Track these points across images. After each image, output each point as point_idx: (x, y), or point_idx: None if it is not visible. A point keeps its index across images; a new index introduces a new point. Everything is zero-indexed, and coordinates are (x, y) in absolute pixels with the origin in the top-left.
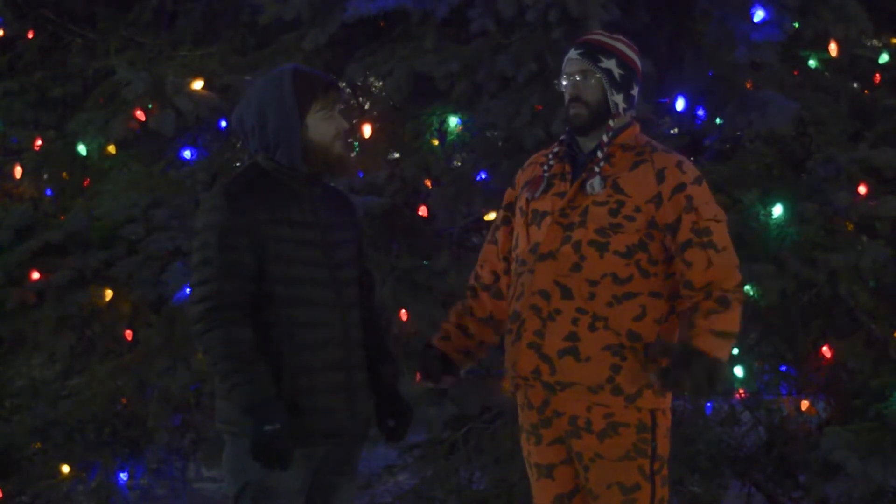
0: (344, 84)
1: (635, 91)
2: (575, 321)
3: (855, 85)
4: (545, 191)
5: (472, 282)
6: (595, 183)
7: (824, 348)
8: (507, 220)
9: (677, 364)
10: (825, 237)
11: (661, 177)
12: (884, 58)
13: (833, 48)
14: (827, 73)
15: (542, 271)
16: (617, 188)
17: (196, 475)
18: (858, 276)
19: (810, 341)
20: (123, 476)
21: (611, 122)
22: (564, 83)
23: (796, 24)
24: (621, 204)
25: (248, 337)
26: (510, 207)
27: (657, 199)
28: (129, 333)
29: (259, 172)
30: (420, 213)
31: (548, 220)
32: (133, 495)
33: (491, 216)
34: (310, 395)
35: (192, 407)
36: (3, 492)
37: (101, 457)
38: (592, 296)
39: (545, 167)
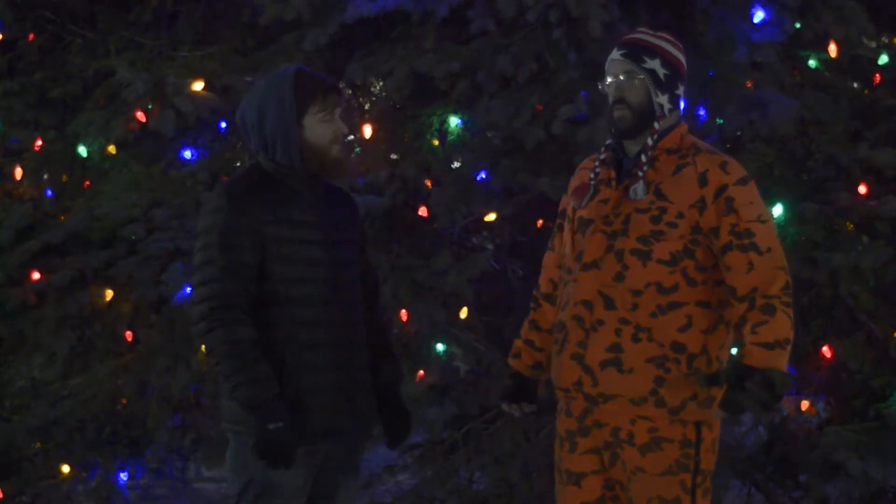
0: (344, 84)
1: (680, 90)
2: (618, 332)
3: (855, 85)
4: (591, 198)
5: (534, 292)
6: (638, 188)
7: (824, 348)
8: (560, 228)
9: (732, 387)
10: (826, 237)
11: (703, 180)
12: (883, 58)
13: (833, 48)
14: (827, 74)
15: (586, 281)
16: (659, 194)
17: (196, 475)
18: (859, 276)
19: (810, 341)
20: (123, 476)
21: (656, 125)
22: (608, 85)
23: (797, 25)
24: (663, 210)
25: (250, 336)
26: (564, 214)
27: (700, 204)
28: (129, 334)
29: (260, 173)
30: (420, 213)
31: (592, 228)
32: (133, 495)
33: (491, 217)
34: (312, 394)
35: (193, 407)
36: (3, 492)
37: (102, 457)
38: (635, 306)
39: (592, 174)
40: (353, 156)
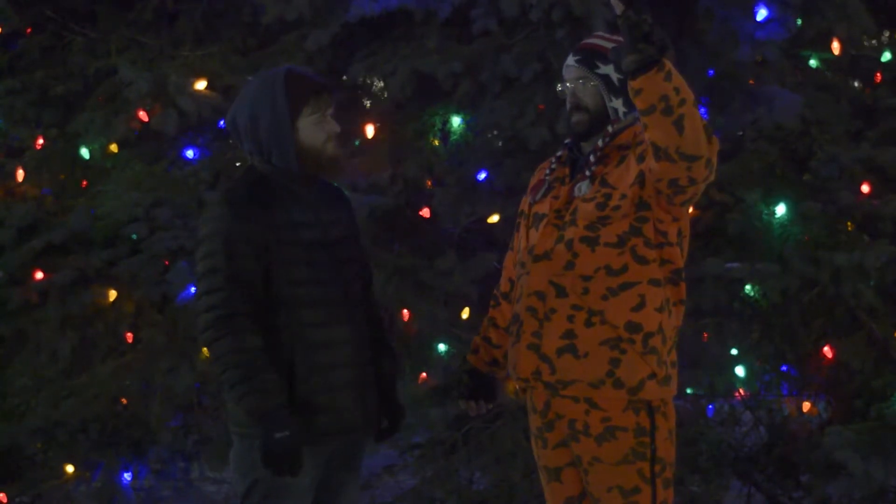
0: (346, 79)
1: None
2: (570, 318)
3: (856, 84)
4: (545, 194)
5: (494, 290)
6: (583, 186)
7: (825, 348)
8: (519, 227)
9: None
10: (828, 236)
11: (640, 158)
12: (886, 56)
13: (835, 47)
14: (828, 73)
15: (537, 272)
16: (604, 183)
17: (199, 475)
18: (863, 275)
19: (811, 341)
20: (127, 476)
21: (609, 128)
22: (564, 90)
23: (798, 22)
24: (608, 197)
25: (257, 345)
26: (524, 214)
27: (640, 178)
28: (129, 336)
29: (257, 177)
30: (422, 213)
31: (545, 222)
32: (137, 496)
33: (494, 218)
34: (322, 394)
35: (196, 407)
36: (6, 493)
37: (105, 457)
38: (586, 290)
39: (547, 171)
40: (347, 153)
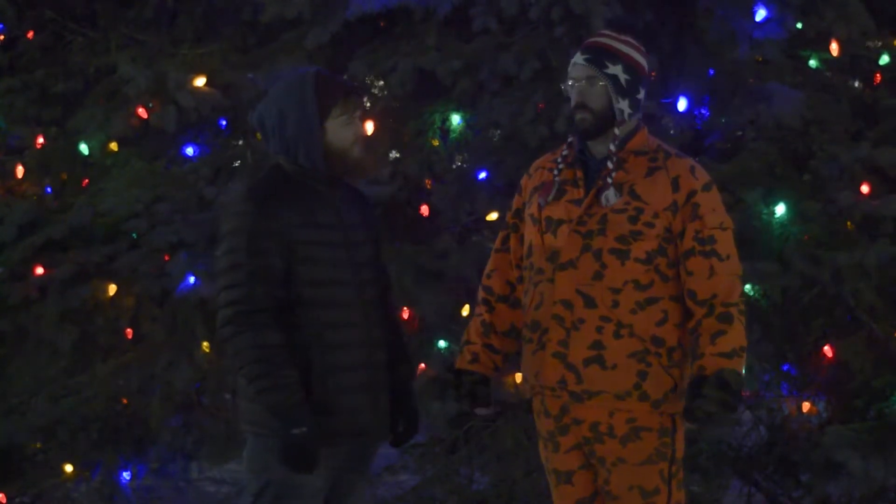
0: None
1: (641, 94)
2: (599, 329)
3: (856, 84)
4: (557, 197)
5: (484, 295)
6: (610, 195)
7: (825, 348)
8: (516, 227)
9: (692, 397)
10: (828, 236)
11: (675, 185)
12: (884, 58)
13: (834, 48)
14: (828, 74)
15: (563, 280)
16: (634, 195)
17: (199, 475)
18: (863, 274)
19: (811, 341)
20: (126, 475)
21: (616, 130)
22: (570, 88)
23: (799, 26)
24: (640, 211)
25: (277, 341)
26: (519, 214)
27: (673, 207)
28: (129, 332)
29: (282, 175)
30: (422, 212)
31: (565, 228)
32: (136, 495)
33: (493, 216)
34: (337, 395)
35: (196, 405)
36: (5, 493)
37: (104, 456)
38: (616, 303)
39: (555, 172)
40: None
